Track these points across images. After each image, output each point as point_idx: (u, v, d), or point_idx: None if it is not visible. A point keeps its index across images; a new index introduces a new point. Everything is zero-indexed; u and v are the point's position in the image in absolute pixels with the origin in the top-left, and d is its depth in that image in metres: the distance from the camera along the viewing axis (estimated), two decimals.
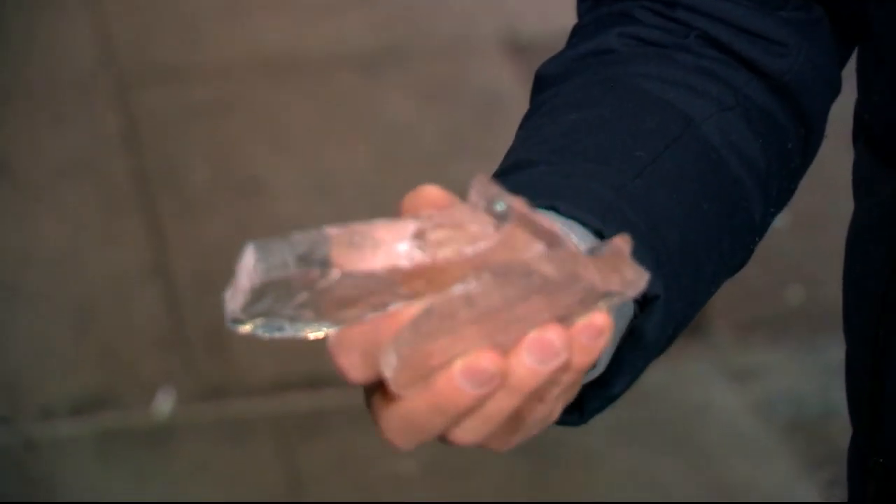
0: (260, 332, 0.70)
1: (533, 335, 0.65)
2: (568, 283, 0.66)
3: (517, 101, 3.66)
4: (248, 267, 0.66)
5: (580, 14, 1.03)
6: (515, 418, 0.70)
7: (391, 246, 0.66)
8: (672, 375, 3.21)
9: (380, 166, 3.93)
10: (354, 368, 0.66)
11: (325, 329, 0.70)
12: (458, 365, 0.64)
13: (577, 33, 1.01)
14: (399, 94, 4.15)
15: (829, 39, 1.00)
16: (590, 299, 0.67)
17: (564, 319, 0.66)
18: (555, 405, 0.71)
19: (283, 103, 4.11)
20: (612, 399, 0.86)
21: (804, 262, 3.64)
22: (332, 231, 0.66)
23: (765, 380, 3.19)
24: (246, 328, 0.69)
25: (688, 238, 0.86)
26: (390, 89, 4.16)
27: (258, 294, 0.67)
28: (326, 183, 3.84)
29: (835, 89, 1.02)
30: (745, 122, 0.94)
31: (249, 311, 0.68)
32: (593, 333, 0.66)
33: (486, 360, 0.64)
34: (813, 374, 3.20)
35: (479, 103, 4.12)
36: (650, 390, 3.09)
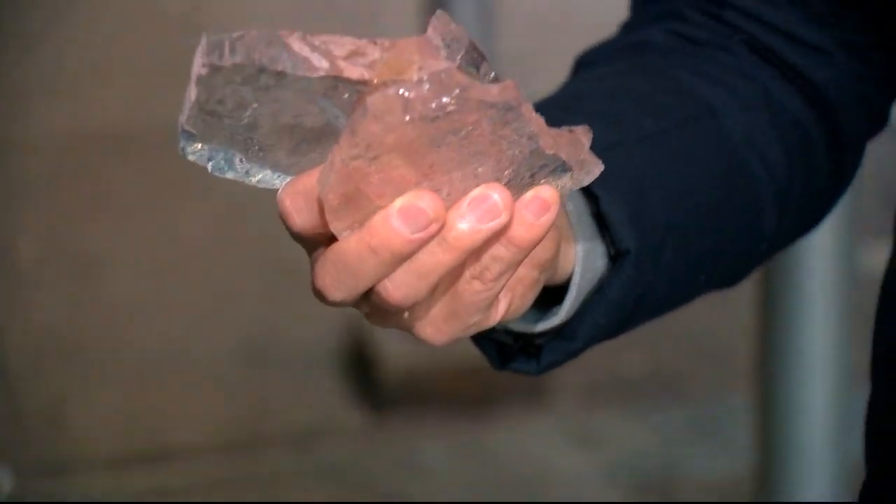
0: (211, 163, 0.72)
1: (476, 191, 0.66)
2: (508, 122, 0.67)
3: None
4: (198, 59, 0.67)
5: (632, 10, 1.03)
6: (453, 296, 0.71)
7: (334, 56, 0.68)
8: (518, 440, 3.24)
9: (217, 238, 3.90)
10: (298, 212, 0.68)
11: (276, 177, 0.73)
12: (397, 203, 0.65)
13: (624, 27, 1.02)
14: None
15: (883, 69, 0.97)
16: (537, 163, 0.69)
17: (511, 186, 0.67)
18: (493, 287, 0.70)
19: (115, 177, 4.06)
20: (571, 354, 0.85)
21: (644, 328, 3.83)
22: (285, 33, 0.68)
23: (609, 444, 3.20)
24: (196, 149, 0.71)
25: (678, 217, 0.86)
26: None
27: (207, 88, 0.68)
28: (163, 257, 3.78)
29: (878, 121, 1.00)
30: (771, 126, 0.93)
31: (196, 117, 0.70)
32: (539, 207, 0.67)
33: (425, 200, 0.65)
34: (655, 436, 3.23)
35: None
36: (497, 454, 3.14)
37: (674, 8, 0.99)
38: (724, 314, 3.32)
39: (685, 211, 0.87)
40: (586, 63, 0.99)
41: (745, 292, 1.99)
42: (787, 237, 0.98)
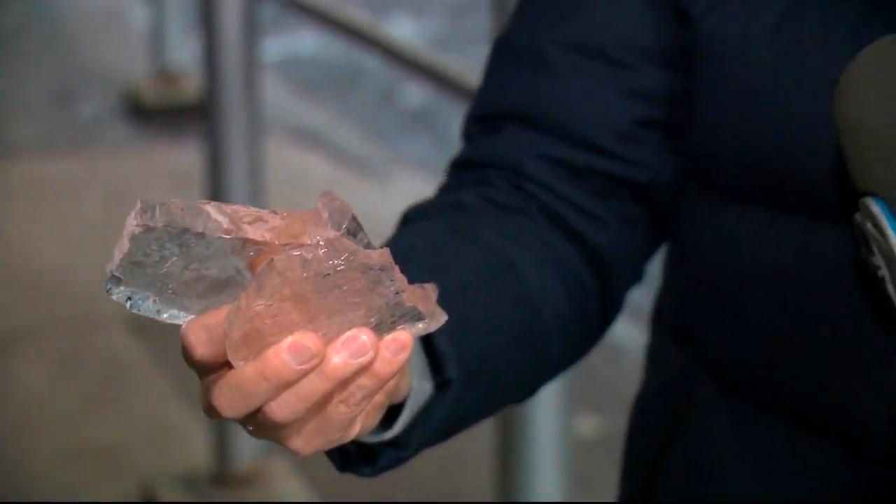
0: (129, 302, 0.90)
1: (350, 333, 0.84)
2: (382, 281, 0.88)
3: (138, 370, 4.33)
4: (131, 220, 0.85)
5: (448, 175, 1.26)
6: (323, 416, 0.87)
7: (242, 222, 0.87)
8: None
9: (15, 436, 4.01)
10: (200, 343, 0.85)
11: (181, 315, 0.91)
12: (287, 341, 0.82)
13: (443, 189, 1.25)
14: (31, 366, 4.40)
15: (646, 236, 1.23)
16: (398, 313, 0.89)
17: (376, 330, 0.86)
18: (355, 410, 0.87)
19: None
20: (402, 459, 1.04)
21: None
22: (204, 202, 0.88)
23: None
24: (120, 290, 0.89)
25: (489, 352, 1.06)
26: (23, 363, 4.40)
27: (138, 243, 0.87)
28: None
29: (638, 276, 1.26)
30: (558, 279, 1.15)
31: (125, 267, 0.88)
32: (397, 347, 0.85)
33: (309, 339, 0.83)
34: None
35: (103, 372, 4.39)
36: None
37: (484, 177, 1.22)
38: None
39: (495, 347, 1.08)
40: (412, 218, 1.21)
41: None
42: (567, 362, 1.20)
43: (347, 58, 6.27)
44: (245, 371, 0.84)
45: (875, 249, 1.01)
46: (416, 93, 5.91)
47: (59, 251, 5.07)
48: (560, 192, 1.20)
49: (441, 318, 0.90)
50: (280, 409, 0.85)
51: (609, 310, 1.22)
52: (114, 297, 0.89)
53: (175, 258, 0.88)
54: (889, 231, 0.98)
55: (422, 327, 0.89)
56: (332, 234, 0.87)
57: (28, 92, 6.25)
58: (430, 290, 0.90)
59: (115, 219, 0.96)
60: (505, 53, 1.28)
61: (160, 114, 6.27)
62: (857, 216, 1.01)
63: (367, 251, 0.87)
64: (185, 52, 5.64)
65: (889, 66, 1.01)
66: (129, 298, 0.89)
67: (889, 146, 1.00)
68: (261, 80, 4.10)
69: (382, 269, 0.87)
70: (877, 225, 0.99)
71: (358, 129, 5.46)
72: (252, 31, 3.93)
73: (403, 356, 0.85)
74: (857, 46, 1.03)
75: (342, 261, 0.86)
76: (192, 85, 5.48)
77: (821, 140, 1.14)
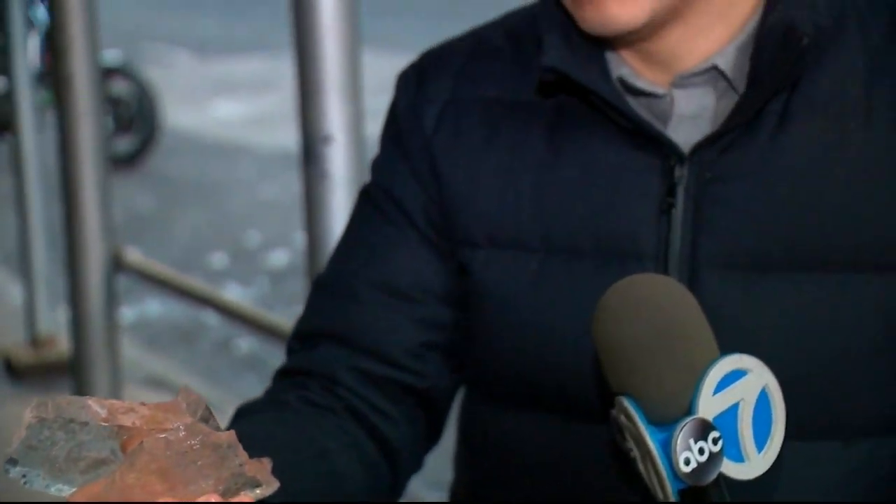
0: (24, 479, 0.94)
1: (202, 498, 0.87)
2: (228, 456, 0.92)
3: None
4: (29, 412, 0.91)
5: (274, 381, 1.36)
6: None
7: (117, 412, 0.93)
8: None
9: None
10: None
11: (65, 489, 0.94)
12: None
13: (269, 392, 1.33)
14: None
15: (425, 432, 1.35)
16: (241, 481, 0.94)
17: (224, 495, 0.92)
18: None
19: None
20: None
21: None
22: (90, 400, 0.93)
23: None
24: (16, 470, 0.93)
25: None
26: None
27: (33, 431, 0.91)
28: None
29: (420, 463, 1.37)
30: (359, 463, 1.25)
31: (21, 450, 0.92)
32: None
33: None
34: None
35: None
36: None
37: (303, 382, 1.31)
38: None
39: None
40: (244, 412, 1.28)
41: None
42: None
43: (189, 316, 6.37)
44: None
45: (627, 436, 1.02)
46: (246, 343, 6.03)
47: None
48: (363, 397, 1.29)
49: (274, 485, 0.97)
50: None
51: (396, 487, 1.33)
52: (10, 475, 0.94)
53: (62, 442, 0.94)
54: (637, 419, 0.99)
55: (259, 493, 0.96)
56: (188, 420, 0.93)
57: None
58: (266, 463, 0.97)
59: None
60: (323, 287, 1.38)
61: (32, 373, 5.98)
62: (613, 412, 1.02)
63: (217, 433, 0.95)
64: (54, 319, 5.57)
65: (633, 296, 1.02)
66: (24, 476, 0.95)
67: (635, 357, 1.00)
68: (119, 340, 4.16)
69: (229, 446, 0.94)
70: (629, 417, 1.00)
71: (200, 375, 5.51)
72: (111, 300, 4.02)
73: None
74: (595, 289, 1.08)
75: (197, 441, 0.92)
76: (60, 347, 5.40)
77: (580, 359, 1.21)
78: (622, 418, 1.00)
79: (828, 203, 1.18)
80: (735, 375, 0.99)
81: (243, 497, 0.94)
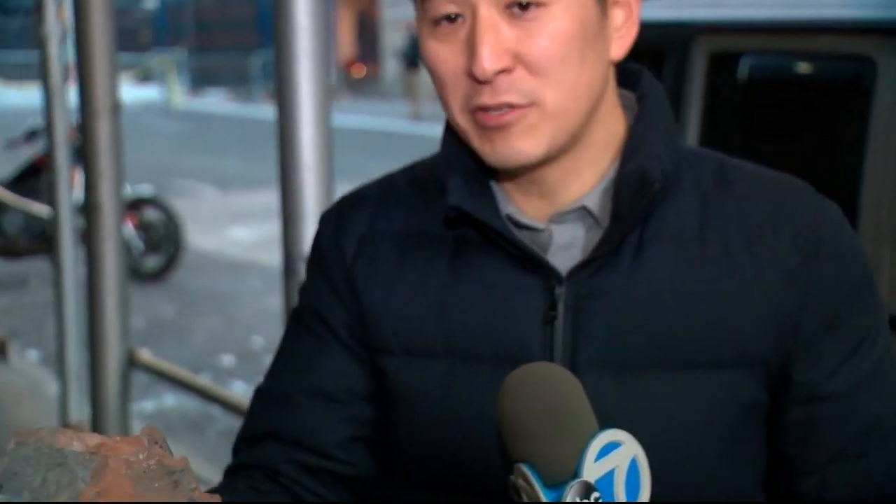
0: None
1: None
2: (181, 481, 0.94)
3: None
4: (9, 443, 0.93)
5: (224, 476, 1.38)
6: None
7: (88, 445, 0.93)
8: None
9: None
10: None
11: None
12: None
13: (221, 484, 1.35)
14: None
15: None
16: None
17: None
18: None
19: None
20: None
21: None
22: (65, 430, 0.95)
23: None
24: (1, 496, 0.92)
25: None
26: None
27: (12, 458, 0.93)
28: None
29: None
30: None
31: (3, 477, 0.92)
32: None
33: None
34: None
35: None
36: None
37: (249, 474, 1.34)
38: None
39: None
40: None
41: None
42: None
43: (199, 409, 6.38)
44: None
45: (524, 496, 1.04)
46: None
47: None
48: (302, 484, 1.33)
49: None
50: None
51: None
52: None
53: (40, 468, 0.94)
54: (534, 482, 1.03)
55: None
56: (147, 447, 0.94)
57: None
58: (216, 497, 0.97)
59: None
60: (264, 396, 1.40)
61: None
62: (511, 477, 1.04)
63: (172, 458, 0.96)
64: (82, 410, 5.42)
65: (530, 379, 1.05)
66: (8, 501, 0.94)
67: (532, 429, 1.03)
68: (131, 427, 4.12)
69: (183, 471, 0.95)
70: (526, 479, 1.03)
71: (207, 460, 5.29)
72: (125, 393, 4.13)
73: None
74: (493, 388, 1.09)
75: (154, 462, 0.93)
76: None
77: (483, 447, 1.23)
78: (520, 481, 1.03)
79: (679, 313, 1.24)
80: (611, 446, 1.03)
81: None
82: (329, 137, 2.67)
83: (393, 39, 30.21)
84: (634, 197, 1.22)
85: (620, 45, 1.25)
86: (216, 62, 34.89)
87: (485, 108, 1.19)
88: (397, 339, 1.31)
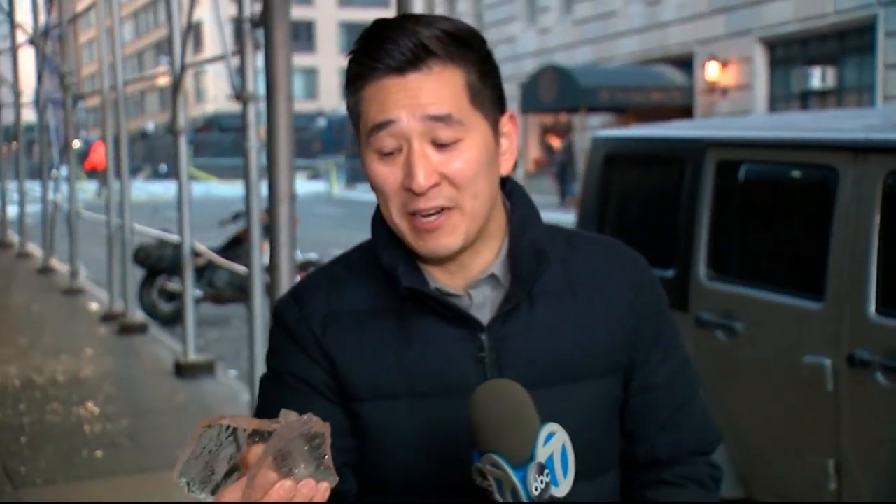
0: (187, 488, 0.92)
1: (304, 481, 0.92)
2: (322, 445, 0.93)
3: None
4: (198, 427, 0.93)
5: None
6: None
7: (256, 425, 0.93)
8: None
9: None
10: (234, 498, 0.90)
11: (208, 497, 0.92)
12: (278, 483, 0.90)
13: None
14: None
15: None
16: (325, 472, 0.93)
17: (314, 476, 0.92)
18: None
19: None
20: None
21: None
22: (239, 417, 0.94)
23: None
24: (182, 480, 0.92)
25: None
26: None
27: (199, 441, 0.92)
28: None
29: None
30: None
31: (191, 461, 0.91)
32: (324, 490, 0.93)
33: (284, 485, 0.91)
34: None
35: None
36: None
37: None
38: None
39: None
40: None
41: None
42: None
43: None
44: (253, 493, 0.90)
45: (490, 477, 1.03)
46: None
47: None
48: None
49: (335, 481, 0.95)
50: None
51: None
52: (180, 483, 0.91)
53: (215, 451, 0.91)
54: (504, 465, 1.02)
55: (333, 482, 0.94)
56: (294, 417, 0.93)
57: None
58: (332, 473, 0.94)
59: None
60: None
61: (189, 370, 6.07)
62: (478, 465, 1.04)
63: (316, 423, 0.93)
64: None
65: (494, 390, 1.04)
66: (188, 485, 0.92)
67: (497, 426, 1.02)
68: None
69: (324, 436, 0.93)
70: (496, 465, 1.02)
71: None
72: None
73: (326, 495, 0.93)
74: (444, 415, 1.16)
75: (304, 430, 0.92)
76: None
77: (441, 461, 1.21)
78: (488, 466, 1.03)
79: (565, 343, 1.26)
80: (550, 436, 1.04)
81: (325, 483, 0.94)
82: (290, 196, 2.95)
83: None
84: (532, 264, 1.25)
85: (506, 163, 1.26)
86: None
87: (419, 213, 1.19)
88: (366, 388, 1.26)
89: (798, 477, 3.32)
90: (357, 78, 1.19)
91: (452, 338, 1.24)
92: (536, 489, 1.02)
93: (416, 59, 1.15)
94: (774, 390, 3.39)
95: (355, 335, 1.27)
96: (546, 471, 1.03)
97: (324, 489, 0.92)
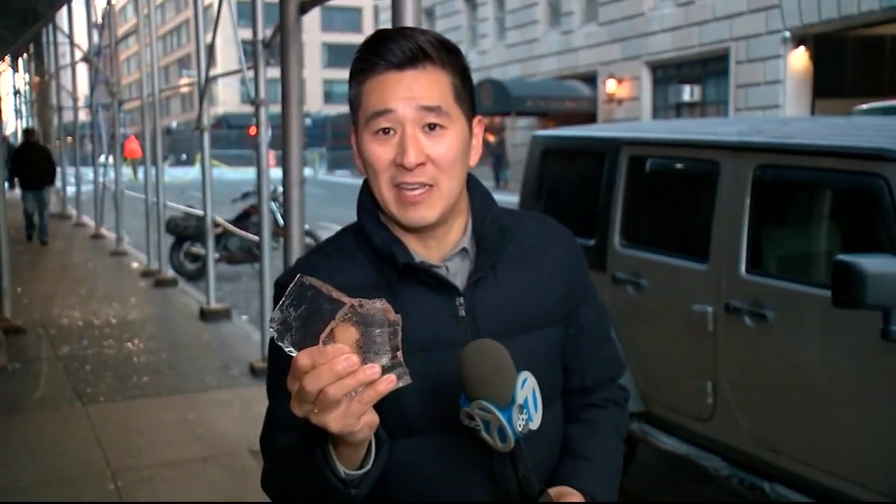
0: (275, 336, 0.78)
1: (369, 365, 0.81)
2: (397, 332, 0.80)
3: None
4: (294, 283, 0.79)
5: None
6: (347, 407, 0.80)
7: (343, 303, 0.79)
8: None
9: None
10: (304, 362, 0.78)
11: (294, 349, 0.78)
12: (343, 356, 0.78)
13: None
14: None
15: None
16: (397, 366, 0.80)
17: (385, 370, 0.79)
18: (363, 409, 0.81)
19: None
20: (362, 493, 0.93)
21: None
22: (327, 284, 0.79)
23: None
24: (271, 329, 0.78)
25: None
26: None
27: (286, 303, 0.78)
28: None
29: None
30: None
31: (282, 312, 0.77)
32: (389, 381, 0.82)
33: (353, 358, 0.79)
34: None
35: None
36: None
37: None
38: None
39: None
40: None
41: None
42: None
43: None
44: (322, 367, 0.78)
45: (477, 419, 0.97)
46: None
47: None
48: None
49: (409, 381, 0.83)
50: (333, 390, 0.79)
51: None
52: (270, 332, 0.79)
53: (303, 308, 0.77)
54: (492, 408, 0.96)
55: (403, 382, 0.82)
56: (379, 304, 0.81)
57: None
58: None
59: None
60: (279, 425, 1.08)
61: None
62: (467, 409, 0.97)
63: (393, 314, 0.80)
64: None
65: (481, 347, 0.98)
66: (276, 333, 0.78)
67: (485, 377, 0.96)
68: None
69: (398, 325, 0.81)
70: (484, 409, 0.96)
71: None
72: None
73: (392, 386, 0.82)
74: (437, 365, 1.04)
75: (380, 310, 0.79)
76: None
77: (438, 391, 1.09)
78: (476, 410, 0.97)
79: (525, 300, 1.19)
80: (525, 381, 0.99)
81: (392, 375, 0.82)
82: (301, 181, 2.80)
83: None
84: (498, 238, 1.18)
85: (474, 157, 1.18)
86: (342, 154, 35.55)
87: (406, 186, 1.10)
88: None
89: (685, 395, 3.34)
90: (360, 72, 1.10)
91: (437, 302, 1.13)
92: (519, 426, 0.97)
93: (413, 59, 1.08)
94: (669, 330, 3.40)
95: None
96: (524, 409, 0.98)
97: (388, 381, 0.81)
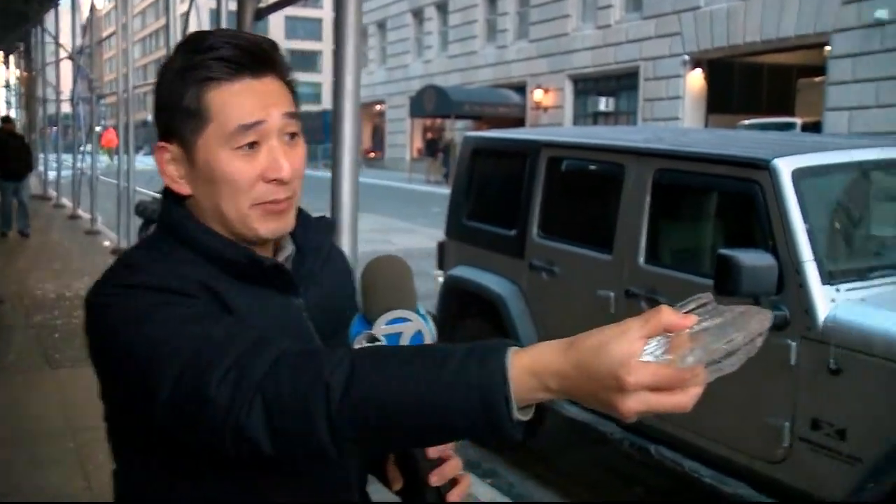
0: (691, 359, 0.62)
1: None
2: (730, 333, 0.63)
3: None
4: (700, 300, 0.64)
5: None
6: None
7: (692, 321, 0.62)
8: None
9: None
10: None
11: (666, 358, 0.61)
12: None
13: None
14: None
15: None
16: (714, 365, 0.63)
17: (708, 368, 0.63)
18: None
19: None
20: (522, 431, 0.70)
21: None
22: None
23: None
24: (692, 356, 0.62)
25: None
26: None
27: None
28: None
29: None
30: None
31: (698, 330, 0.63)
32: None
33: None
34: None
35: None
36: None
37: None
38: None
39: None
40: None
41: None
42: None
43: None
44: (666, 372, 0.65)
45: (381, 338, 0.87)
46: None
47: None
48: None
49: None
50: (692, 389, 0.66)
51: None
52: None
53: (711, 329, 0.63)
54: (413, 313, 0.87)
55: (723, 370, 0.65)
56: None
57: None
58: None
59: None
60: (232, 336, 0.80)
61: None
62: (370, 329, 0.88)
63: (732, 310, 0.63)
64: None
65: (388, 261, 0.91)
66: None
67: (398, 285, 0.89)
68: None
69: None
70: (401, 318, 0.87)
71: None
72: None
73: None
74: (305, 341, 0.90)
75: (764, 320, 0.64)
76: None
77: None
78: (383, 325, 0.87)
79: (333, 291, 1.02)
80: (401, 321, 0.88)
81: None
82: (357, 188, 2.50)
83: (393, 139, 30.03)
84: (324, 236, 1.02)
85: None
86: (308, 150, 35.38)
87: (277, 201, 0.90)
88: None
89: None
90: (205, 80, 0.86)
91: (283, 302, 0.93)
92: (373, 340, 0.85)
93: (264, 63, 0.88)
94: (577, 313, 3.40)
95: (236, 298, 0.91)
96: (380, 341, 0.86)
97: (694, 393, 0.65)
